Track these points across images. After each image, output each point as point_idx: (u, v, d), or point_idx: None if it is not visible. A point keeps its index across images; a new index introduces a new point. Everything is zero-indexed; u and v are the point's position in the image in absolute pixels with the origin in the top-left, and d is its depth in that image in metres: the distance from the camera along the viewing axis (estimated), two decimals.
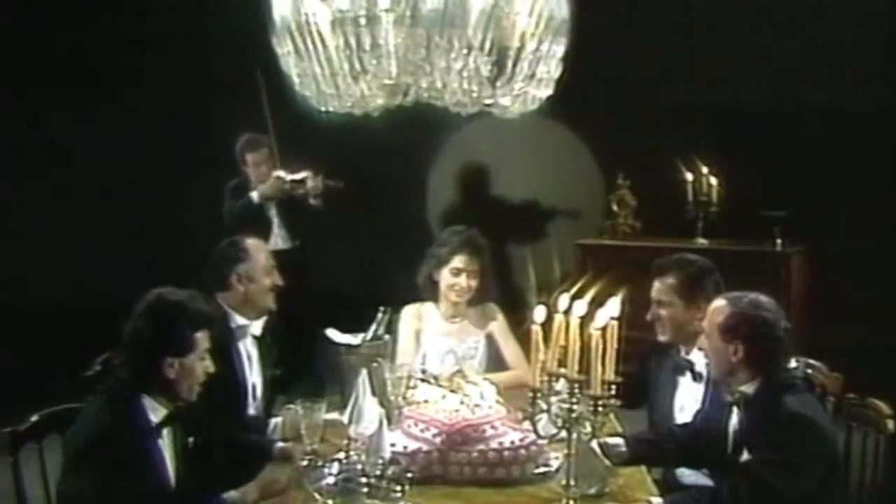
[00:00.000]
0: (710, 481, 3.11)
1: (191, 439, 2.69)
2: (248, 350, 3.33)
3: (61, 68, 6.17)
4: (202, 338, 2.69)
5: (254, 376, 3.34)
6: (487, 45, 2.73)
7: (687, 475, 3.26)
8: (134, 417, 2.56)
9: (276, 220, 5.77)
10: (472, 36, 2.69)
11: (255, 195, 5.63)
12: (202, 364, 2.69)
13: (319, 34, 2.74)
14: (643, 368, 3.50)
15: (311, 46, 2.77)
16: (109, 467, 2.40)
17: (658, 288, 3.36)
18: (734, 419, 2.83)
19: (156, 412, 2.61)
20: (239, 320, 3.31)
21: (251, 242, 3.44)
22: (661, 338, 3.37)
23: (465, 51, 2.69)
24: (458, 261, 3.76)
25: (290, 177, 5.66)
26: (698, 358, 3.30)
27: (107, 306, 5.76)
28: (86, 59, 6.19)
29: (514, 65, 2.81)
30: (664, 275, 3.37)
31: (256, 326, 3.36)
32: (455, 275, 3.78)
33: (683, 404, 3.34)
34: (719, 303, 2.85)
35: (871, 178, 5.71)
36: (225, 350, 3.07)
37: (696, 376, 3.30)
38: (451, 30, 2.67)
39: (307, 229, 5.86)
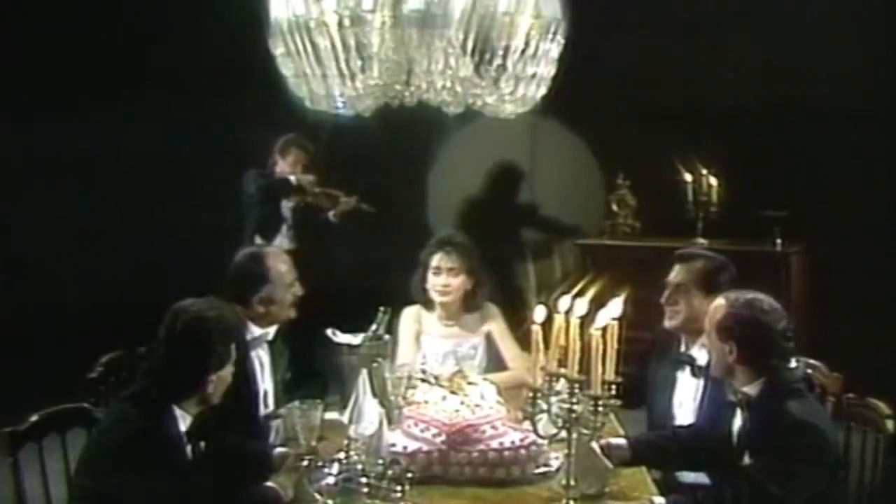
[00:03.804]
0: (710, 481, 3.12)
1: (201, 444, 2.69)
2: (259, 357, 3.28)
3: (62, 69, 6.17)
4: (233, 348, 2.74)
5: (265, 383, 3.29)
6: (470, 45, 2.73)
7: (687, 475, 3.25)
8: (167, 425, 2.57)
9: (287, 221, 5.91)
10: (453, 36, 2.70)
11: (293, 177, 5.83)
12: (231, 370, 2.73)
13: (309, 35, 2.76)
14: (644, 367, 3.50)
15: (300, 47, 2.79)
16: (143, 469, 2.43)
17: (678, 272, 3.37)
18: (737, 421, 2.82)
19: (184, 419, 2.63)
20: (255, 331, 3.25)
21: (272, 257, 3.33)
22: (669, 324, 3.36)
23: (449, 50, 2.70)
24: (436, 260, 3.81)
25: (322, 189, 5.89)
26: (699, 353, 3.30)
27: (107, 307, 5.84)
28: (87, 59, 6.19)
29: (502, 64, 2.80)
30: (685, 262, 3.39)
31: (270, 332, 3.32)
32: (435, 275, 3.82)
33: (683, 401, 3.35)
34: (719, 301, 2.84)
35: (870, 178, 5.71)
36: (241, 359, 3.05)
37: (696, 371, 3.30)
38: (433, 30, 2.67)
39: (312, 231, 5.92)
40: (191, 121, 6.13)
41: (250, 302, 3.22)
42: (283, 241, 5.80)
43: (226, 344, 2.69)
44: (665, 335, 3.45)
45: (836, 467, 2.71)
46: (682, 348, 3.38)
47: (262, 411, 3.27)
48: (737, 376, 2.79)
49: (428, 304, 3.90)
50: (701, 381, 3.28)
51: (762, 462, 2.63)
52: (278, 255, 3.40)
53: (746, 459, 2.72)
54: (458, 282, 3.81)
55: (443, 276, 3.81)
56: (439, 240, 3.87)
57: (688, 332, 3.36)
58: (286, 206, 5.93)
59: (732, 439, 2.82)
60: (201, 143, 6.14)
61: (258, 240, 5.60)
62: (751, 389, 2.75)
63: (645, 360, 3.51)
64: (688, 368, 3.33)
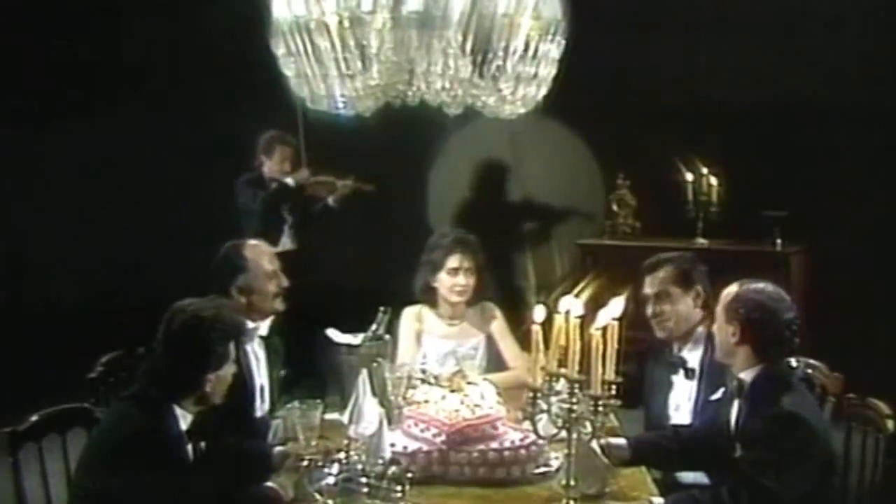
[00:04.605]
0: (709, 481, 3.13)
1: (202, 444, 2.69)
2: (255, 351, 3.28)
3: (62, 70, 6.17)
4: (233, 346, 2.74)
5: (261, 377, 3.30)
6: (469, 46, 2.74)
7: (686, 474, 3.26)
8: (168, 425, 2.58)
9: (287, 221, 5.88)
10: (452, 37, 2.70)
11: (290, 180, 5.78)
12: (231, 369, 2.74)
13: (309, 36, 2.77)
14: (640, 369, 3.51)
15: (301, 48, 2.80)
16: (144, 468, 2.43)
17: (652, 282, 3.40)
18: (734, 414, 2.83)
19: (185, 419, 2.63)
20: (247, 324, 3.26)
21: (251, 248, 3.35)
22: (661, 334, 3.39)
23: (449, 51, 2.70)
24: (454, 261, 3.79)
25: (315, 178, 5.85)
26: (690, 355, 3.33)
27: (107, 307, 5.84)
28: (89, 59, 6.19)
29: (501, 65, 2.80)
30: (656, 270, 3.42)
31: (263, 327, 3.33)
32: (453, 275, 3.80)
33: (679, 403, 3.36)
34: (732, 287, 2.89)
35: (870, 178, 5.71)
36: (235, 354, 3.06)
37: (689, 373, 3.32)
38: (432, 31, 2.68)
39: (311, 230, 5.91)
40: (190, 121, 6.12)
41: (230, 292, 3.24)
42: (285, 241, 5.79)
43: (224, 343, 2.69)
44: (659, 339, 3.46)
45: (829, 463, 2.71)
46: (675, 350, 3.40)
47: (259, 406, 3.28)
48: (736, 362, 2.81)
49: (431, 303, 3.89)
50: (695, 383, 3.30)
51: (752, 455, 2.64)
52: (256, 246, 3.41)
53: (739, 451, 2.74)
54: (473, 280, 3.82)
55: (461, 276, 3.80)
56: (455, 240, 3.84)
57: (680, 338, 3.38)
58: (283, 207, 5.91)
59: (730, 434, 2.83)
60: (201, 143, 6.13)
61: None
62: (746, 375, 2.78)
63: (643, 361, 3.52)
64: (681, 371, 3.35)
